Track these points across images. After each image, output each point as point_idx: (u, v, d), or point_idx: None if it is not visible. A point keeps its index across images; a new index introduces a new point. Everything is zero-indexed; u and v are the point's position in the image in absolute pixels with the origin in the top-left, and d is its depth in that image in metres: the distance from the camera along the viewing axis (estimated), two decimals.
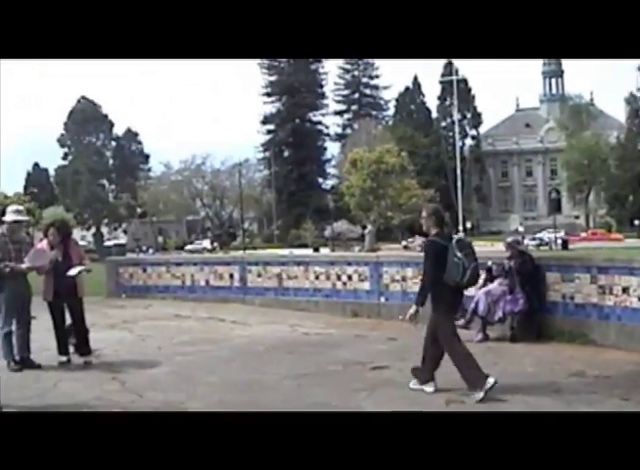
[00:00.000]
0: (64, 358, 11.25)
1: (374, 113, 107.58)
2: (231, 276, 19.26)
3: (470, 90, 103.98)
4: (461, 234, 56.65)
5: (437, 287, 8.74)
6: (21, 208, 11.75)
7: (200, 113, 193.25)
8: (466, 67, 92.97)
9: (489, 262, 12.98)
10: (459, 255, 8.56)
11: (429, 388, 8.80)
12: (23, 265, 10.37)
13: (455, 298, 8.97)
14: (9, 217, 10.75)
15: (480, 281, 12.61)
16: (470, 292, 12.29)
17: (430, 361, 8.93)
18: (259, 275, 18.56)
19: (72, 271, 10.94)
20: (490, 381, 8.34)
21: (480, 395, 8.28)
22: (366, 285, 15.92)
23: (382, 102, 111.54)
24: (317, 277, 17.09)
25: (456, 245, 8.68)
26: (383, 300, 15.28)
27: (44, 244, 11.07)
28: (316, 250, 57.59)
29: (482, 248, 45.42)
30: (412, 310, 8.77)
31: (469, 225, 76.94)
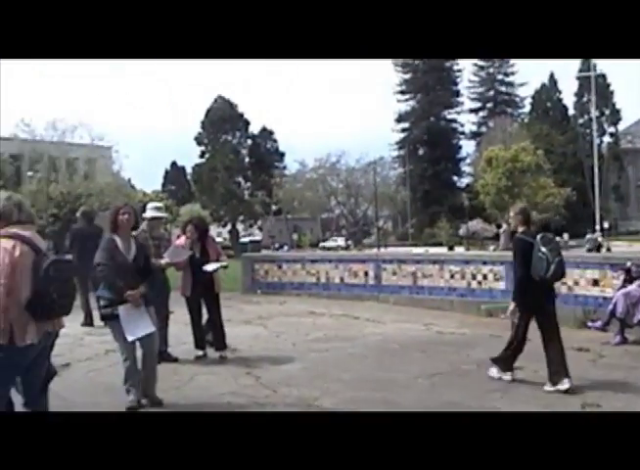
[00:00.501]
0: (200, 353, 11.48)
1: (509, 110, 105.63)
2: (365, 274, 19.29)
3: (609, 86, 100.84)
4: (597, 234, 55.38)
5: (526, 282, 9.07)
6: (160, 205, 12.04)
7: (334, 111, 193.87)
8: (604, 62, 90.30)
9: (628, 263, 12.66)
10: (543, 250, 8.84)
11: (563, 386, 8.82)
12: (162, 261, 10.61)
13: (542, 293, 9.15)
14: (149, 214, 11.04)
15: (618, 282, 12.32)
16: (608, 293, 11.99)
17: (555, 357, 9.01)
18: (394, 273, 18.53)
19: (210, 267, 11.14)
20: (507, 377, 9.34)
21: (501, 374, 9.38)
22: (501, 284, 15.71)
23: (517, 99, 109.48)
24: (452, 276, 16.96)
25: (540, 241, 8.94)
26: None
27: (182, 240, 11.31)
28: (451, 248, 57.10)
29: (620, 248, 44.26)
30: (511, 307, 9.20)
31: (606, 225, 74.78)
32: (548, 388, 8.85)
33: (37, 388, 6.25)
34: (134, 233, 8.93)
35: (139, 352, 8.48)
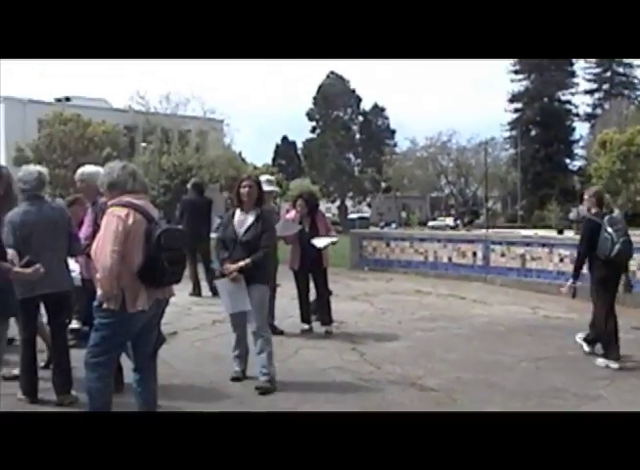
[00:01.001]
0: (306, 326, 11.54)
1: (626, 92, 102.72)
2: (474, 254, 19.07)
3: None
4: None
5: (592, 262, 9.43)
6: (271, 178, 12.11)
7: (446, 89, 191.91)
8: None
9: None
10: (609, 230, 9.07)
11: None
12: None
13: (608, 272, 9.34)
14: None
15: None
16: None
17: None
18: (503, 255, 18.26)
19: (320, 243, 11.16)
20: (614, 366, 9.18)
21: (607, 362, 9.26)
22: None
23: (635, 80, 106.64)
24: (561, 260, 16.60)
25: (607, 221, 9.15)
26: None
27: (292, 214, 11.35)
28: (560, 232, 56.02)
29: None
30: (568, 284, 9.67)
31: None
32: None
33: (147, 354, 6.36)
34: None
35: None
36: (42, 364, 8.08)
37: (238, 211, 8.48)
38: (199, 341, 10.74)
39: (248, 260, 8.14)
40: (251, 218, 8.36)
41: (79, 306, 9.13)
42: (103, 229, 5.92)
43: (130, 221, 5.85)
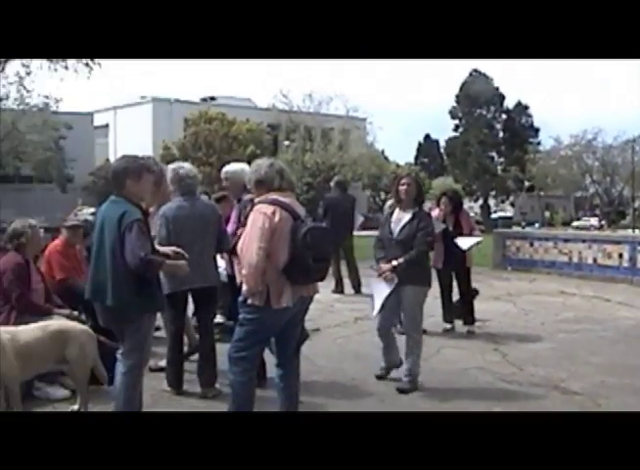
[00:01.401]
0: (448, 326, 11.48)
1: None
2: (620, 256, 18.55)
3: None
4: None
5: None
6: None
7: (588, 87, 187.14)
8: None
9: None
10: None
11: None
12: None
13: None
14: None
15: None
16: None
17: None
18: None
19: (465, 244, 11.08)
20: None
21: None
22: None
23: None
24: None
25: None
26: None
27: (436, 213, 11.29)
28: None
29: None
30: None
31: None
32: None
33: (290, 350, 6.43)
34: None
35: None
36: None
37: (397, 210, 8.38)
38: (341, 338, 10.81)
39: (400, 260, 8.03)
40: (407, 217, 8.22)
41: (224, 302, 9.31)
42: (249, 226, 6.01)
43: (277, 219, 5.91)
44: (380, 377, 8.40)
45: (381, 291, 8.10)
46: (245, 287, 6.01)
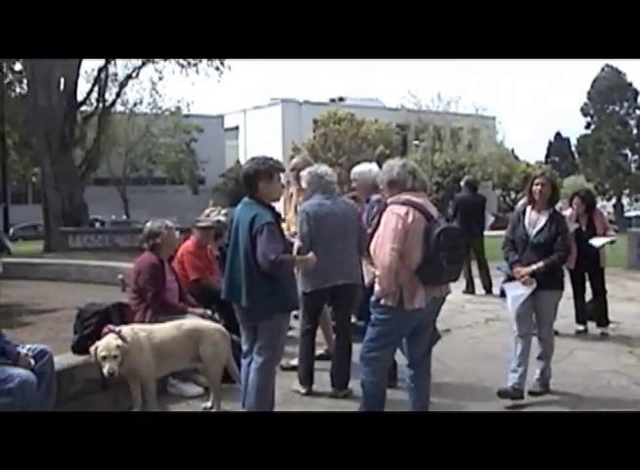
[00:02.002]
0: (581, 327, 11.24)
1: None
2: None
3: None
4: None
5: None
6: None
7: None
8: None
9: None
10: None
11: None
12: None
13: None
14: None
15: None
16: None
17: None
18: None
19: (597, 243, 10.85)
20: None
21: None
22: None
23: None
24: None
25: None
26: None
27: (568, 212, 11.07)
28: None
29: None
30: None
31: None
32: None
33: (422, 350, 6.40)
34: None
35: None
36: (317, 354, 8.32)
37: (529, 210, 8.07)
38: (472, 339, 10.71)
39: (541, 264, 7.71)
40: (543, 219, 7.89)
41: (355, 302, 9.35)
42: (382, 227, 6.01)
43: (410, 219, 5.89)
44: (504, 394, 7.63)
45: (518, 295, 7.83)
46: (377, 288, 6.02)
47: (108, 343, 6.34)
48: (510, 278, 8.00)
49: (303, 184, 8.03)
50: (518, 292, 7.81)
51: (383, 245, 5.91)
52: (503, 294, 8.54)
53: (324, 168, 7.94)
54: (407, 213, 5.92)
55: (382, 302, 6.02)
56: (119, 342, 6.37)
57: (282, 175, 6.58)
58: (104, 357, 6.26)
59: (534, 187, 7.95)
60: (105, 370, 6.25)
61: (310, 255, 6.42)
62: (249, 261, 6.17)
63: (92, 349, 6.39)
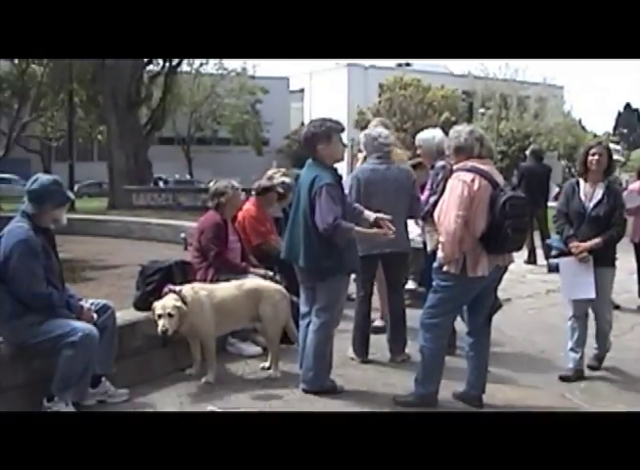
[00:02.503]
0: None
1: None
2: None
3: None
4: None
5: None
6: (617, 147, 11.66)
7: None
8: None
9: None
10: None
11: None
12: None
13: None
14: None
15: None
16: None
17: None
18: None
19: None
20: None
21: None
22: None
23: None
24: None
25: None
26: None
27: (637, 185, 10.90)
28: None
29: None
30: None
31: None
32: None
33: (482, 319, 6.35)
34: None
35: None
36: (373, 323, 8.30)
37: (582, 182, 7.58)
38: (532, 309, 10.62)
39: (599, 240, 7.32)
40: (600, 191, 7.43)
41: (415, 268, 9.32)
42: (448, 193, 5.96)
43: (476, 187, 5.84)
44: (566, 379, 7.46)
45: (574, 273, 7.41)
46: (441, 254, 5.99)
47: (165, 302, 6.43)
48: (562, 253, 7.62)
49: (361, 146, 7.99)
50: (573, 269, 7.39)
51: (448, 211, 5.86)
52: (552, 269, 8.28)
53: (379, 130, 7.86)
54: (473, 180, 5.86)
55: (444, 268, 5.98)
56: (178, 303, 6.44)
57: (343, 135, 6.55)
58: (159, 316, 6.35)
59: (590, 157, 7.43)
60: (159, 328, 6.33)
61: (379, 231, 6.40)
62: (307, 223, 6.25)
63: (152, 307, 6.48)
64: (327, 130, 6.40)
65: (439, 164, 7.73)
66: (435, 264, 6.12)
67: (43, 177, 6.00)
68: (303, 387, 6.56)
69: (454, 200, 5.84)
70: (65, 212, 6.03)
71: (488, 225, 5.84)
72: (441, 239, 5.93)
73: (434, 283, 6.19)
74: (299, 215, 6.37)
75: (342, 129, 6.56)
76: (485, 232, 5.85)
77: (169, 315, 6.33)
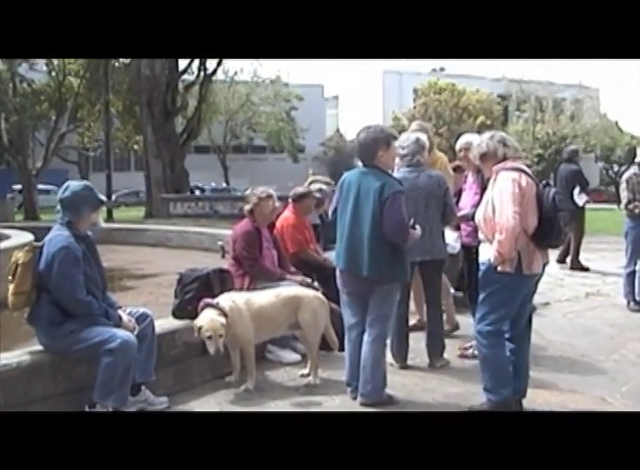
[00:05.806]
0: None
1: None
2: None
3: None
4: None
5: None
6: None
7: None
8: None
9: None
10: None
11: None
12: None
13: None
14: None
15: None
16: None
17: None
18: None
19: None
20: None
21: None
22: None
23: None
24: None
25: None
26: None
27: None
28: None
29: None
30: None
31: None
32: None
33: (524, 322, 6.24)
34: None
35: None
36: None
37: None
38: (571, 313, 10.50)
39: None
40: None
41: (452, 273, 9.26)
42: (498, 194, 5.88)
43: (524, 183, 5.84)
44: None
45: None
46: (495, 254, 5.84)
47: (212, 322, 6.39)
48: None
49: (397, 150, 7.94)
50: None
51: (503, 209, 5.79)
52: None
53: (407, 139, 7.73)
54: (520, 178, 5.86)
55: (499, 269, 5.88)
56: (223, 319, 6.42)
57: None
58: (209, 337, 6.33)
59: None
60: (211, 350, 6.33)
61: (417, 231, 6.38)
62: (374, 230, 6.17)
63: (195, 326, 6.43)
64: (387, 137, 6.38)
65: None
66: (484, 267, 6.03)
67: (74, 184, 6.09)
68: (362, 401, 6.37)
69: (507, 197, 5.79)
70: (100, 215, 6.09)
71: (541, 221, 5.82)
72: (499, 237, 5.81)
73: (483, 291, 6.07)
74: (363, 223, 6.26)
75: (397, 137, 6.57)
76: (539, 228, 5.83)
77: (220, 336, 6.33)
